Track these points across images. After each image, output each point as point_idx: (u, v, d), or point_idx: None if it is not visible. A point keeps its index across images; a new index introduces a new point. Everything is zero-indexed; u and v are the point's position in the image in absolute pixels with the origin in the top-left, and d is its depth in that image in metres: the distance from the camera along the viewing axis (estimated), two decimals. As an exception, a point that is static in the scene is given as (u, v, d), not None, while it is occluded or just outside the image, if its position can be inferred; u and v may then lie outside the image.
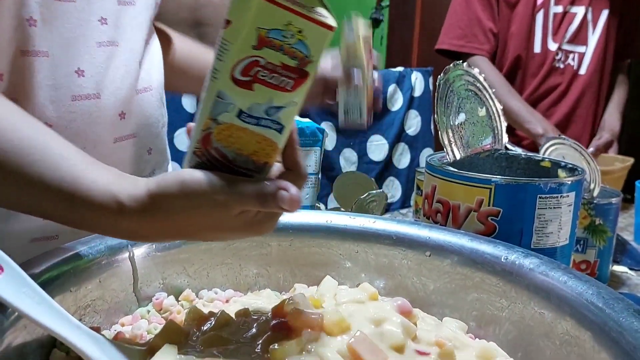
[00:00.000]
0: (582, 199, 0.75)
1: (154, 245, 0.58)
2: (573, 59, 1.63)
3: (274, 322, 0.46)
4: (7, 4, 0.56)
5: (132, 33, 0.69)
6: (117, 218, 0.44)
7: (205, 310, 0.51)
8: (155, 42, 0.77)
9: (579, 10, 1.61)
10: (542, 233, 0.68)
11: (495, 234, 0.68)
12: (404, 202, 1.93)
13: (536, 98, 1.64)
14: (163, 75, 0.78)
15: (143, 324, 0.53)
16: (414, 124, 1.98)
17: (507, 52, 1.66)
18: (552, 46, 1.62)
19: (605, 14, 1.62)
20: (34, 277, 0.42)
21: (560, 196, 0.68)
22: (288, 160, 0.45)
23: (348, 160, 1.86)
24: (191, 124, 0.44)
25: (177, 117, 1.39)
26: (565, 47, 1.62)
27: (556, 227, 0.68)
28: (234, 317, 0.50)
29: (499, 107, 0.83)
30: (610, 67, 1.66)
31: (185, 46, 0.88)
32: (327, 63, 0.84)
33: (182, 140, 1.47)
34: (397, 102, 1.94)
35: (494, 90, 0.83)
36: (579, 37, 1.62)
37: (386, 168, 1.94)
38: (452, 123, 0.76)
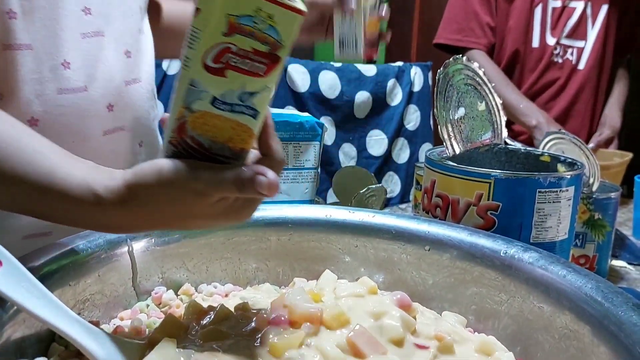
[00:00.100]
0: (581, 193, 0.75)
1: (153, 240, 0.58)
2: (572, 54, 1.62)
3: (273, 316, 0.46)
4: None
5: (119, 23, 0.68)
6: (95, 210, 0.43)
7: (205, 305, 0.51)
8: (146, 32, 0.76)
9: (578, 5, 1.60)
10: (542, 227, 0.68)
11: (494, 228, 0.68)
12: (403, 197, 1.93)
13: (534, 92, 1.64)
14: (153, 67, 0.77)
15: (142, 318, 0.53)
16: (413, 118, 1.97)
17: (505, 47, 1.65)
18: (551, 41, 1.62)
19: (605, 8, 1.61)
20: (33, 271, 0.42)
21: (560, 190, 0.68)
22: (264, 146, 0.44)
23: (347, 155, 1.86)
24: (166, 114, 0.43)
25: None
26: (564, 41, 1.62)
27: (555, 221, 0.68)
28: (233, 311, 0.50)
29: (499, 101, 0.83)
30: (609, 62, 1.66)
31: (174, 7, 0.87)
32: None
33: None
34: (397, 97, 1.94)
35: (493, 84, 0.83)
36: (578, 31, 1.62)
37: (385, 163, 1.94)
38: (451, 117, 0.76)
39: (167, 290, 0.58)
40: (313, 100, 1.76)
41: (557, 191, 0.68)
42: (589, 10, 1.61)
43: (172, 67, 1.56)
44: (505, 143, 0.84)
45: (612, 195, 0.88)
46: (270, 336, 0.44)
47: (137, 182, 0.42)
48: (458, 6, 1.67)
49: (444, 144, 0.76)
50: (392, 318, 0.47)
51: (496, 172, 0.68)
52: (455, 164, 0.71)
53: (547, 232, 0.69)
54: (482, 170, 0.69)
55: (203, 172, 0.41)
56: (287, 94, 1.72)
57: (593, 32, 1.62)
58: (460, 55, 0.79)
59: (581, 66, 1.63)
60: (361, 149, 1.89)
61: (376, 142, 1.91)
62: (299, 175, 0.85)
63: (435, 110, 0.75)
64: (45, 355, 0.45)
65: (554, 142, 0.93)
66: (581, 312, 0.46)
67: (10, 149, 0.44)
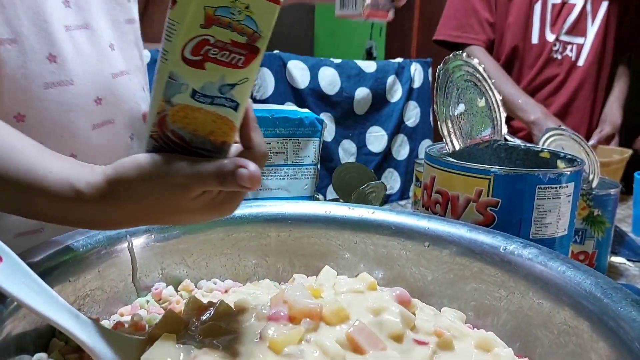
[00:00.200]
0: (581, 189, 0.76)
1: (152, 236, 0.58)
2: (571, 50, 1.62)
3: (272, 311, 0.46)
4: None
5: (102, 15, 0.67)
6: (77, 206, 0.43)
7: (205, 300, 0.51)
8: (134, 22, 0.75)
9: (578, 2, 1.60)
10: (541, 223, 0.68)
11: (494, 224, 0.68)
12: (402, 194, 1.93)
13: (533, 89, 1.64)
14: (143, 58, 0.76)
15: (142, 314, 0.53)
16: (413, 115, 1.97)
17: (505, 43, 1.65)
18: (550, 37, 1.61)
19: (605, 5, 1.61)
20: (33, 267, 0.42)
21: (559, 187, 0.68)
22: (245, 138, 0.44)
23: (347, 151, 1.86)
24: (147, 109, 0.43)
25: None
26: (563, 38, 1.62)
27: (555, 217, 0.69)
28: (233, 307, 0.50)
29: (499, 97, 0.83)
30: (609, 58, 1.66)
31: None
32: None
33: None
34: (396, 94, 1.94)
35: (493, 80, 0.83)
36: (578, 28, 1.61)
37: (385, 159, 1.94)
38: (451, 114, 0.76)
39: (167, 286, 0.58)
40: (313, 97, 1.76)
41: (556, 187, 0.68)
42: (588, 7, 1.61)
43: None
44: (505, 139, 0.85)
45: (612, 191, 0.88)
46: (270, 332, 0.44)
47: (118, 177, 0.42)
48: (458, 3, 1.67)
49: (444, 140, 0.76)
50: (392, 314, 0.47)
51: (496, 169, 0.68)
52: (455, 160, 0.71)
53: (547, 229, 0.69)
54: (481, 167, 0.69)
55: (184, 166, 0.41)
56: (287, 90, 1.71)
57: (593, 29, 1.62)
58: (461, 52, 0.79)
59: (580, 63, 1.62)
60: (361, 145, 1.88)
61: (376, 138, 1.91)
62: (298, 171, 0.85)
63: (435, 106, 0.75)
64: (46, 351, 0.45)
65: (553, 139, 0.93)
66: (580, 308, 0.46)
67: None
